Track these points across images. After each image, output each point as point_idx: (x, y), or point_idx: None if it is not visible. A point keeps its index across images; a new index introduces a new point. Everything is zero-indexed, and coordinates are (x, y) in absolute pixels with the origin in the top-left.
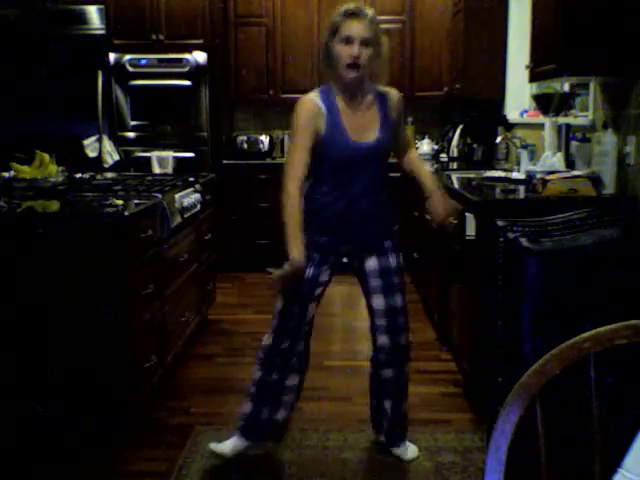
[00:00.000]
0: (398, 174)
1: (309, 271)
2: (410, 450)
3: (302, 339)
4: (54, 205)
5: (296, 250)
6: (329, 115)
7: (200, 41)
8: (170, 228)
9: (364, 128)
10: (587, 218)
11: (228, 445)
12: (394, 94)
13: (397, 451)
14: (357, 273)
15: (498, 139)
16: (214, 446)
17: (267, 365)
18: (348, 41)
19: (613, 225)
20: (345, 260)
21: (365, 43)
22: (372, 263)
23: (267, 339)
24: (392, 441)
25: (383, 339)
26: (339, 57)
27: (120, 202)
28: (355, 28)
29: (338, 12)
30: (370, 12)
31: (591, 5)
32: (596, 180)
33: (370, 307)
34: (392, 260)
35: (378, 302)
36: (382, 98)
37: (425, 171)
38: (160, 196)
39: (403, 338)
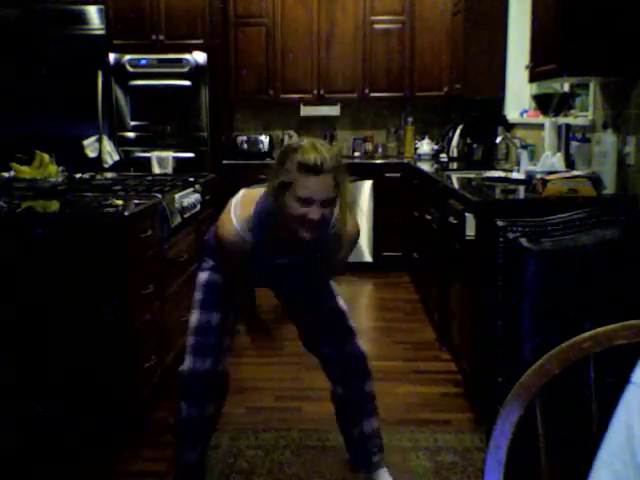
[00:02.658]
0: (398, 174)
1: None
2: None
3: (224, 356)
4: (54, 205)
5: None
6: (254, 242)
7: (200, 41)
8: (170, 228)
9: (287, 248)
10: (587, 218)
11: None
12: (343, 221)
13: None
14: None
15: (498, 139)
16: None
17: (187, 395)
18: (306, 202)
19: (613, 225)
20: None
21: (327, 203)
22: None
23: (184, 364)
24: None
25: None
26: (293, 214)
27: (120, 202)
28: (316, 188)
29: (292, 161)
30: (332, 161)
31: (591, 5)
32: (596, 180)
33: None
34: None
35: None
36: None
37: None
38: (160, 196)
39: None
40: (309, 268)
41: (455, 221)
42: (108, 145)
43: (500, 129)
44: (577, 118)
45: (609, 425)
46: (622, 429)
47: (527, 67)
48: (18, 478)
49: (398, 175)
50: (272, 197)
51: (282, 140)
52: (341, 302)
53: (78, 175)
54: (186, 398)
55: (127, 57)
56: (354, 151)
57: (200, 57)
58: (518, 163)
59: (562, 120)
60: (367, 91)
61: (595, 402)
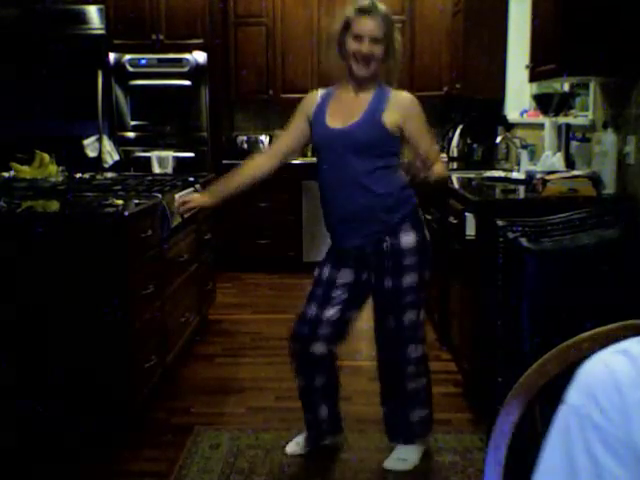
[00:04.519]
0: None
1: (324, 271)
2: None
3: (319, 341)
4: (54, 205)
5: (208, 193)
6: (321, 102)
7: (200, 41)
8: (170, 228)
9: (347, 115)
10: (587, 218)
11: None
12: (401, 95)
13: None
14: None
15: (498, 139)
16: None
17: (294, 368)
18: (358, 38)
19: (613, 225)
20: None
21: (375, 41)
22: (377, 267)
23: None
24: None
25: (380, 355)
26: (349, 53)
27: (120, 202)
28: (366, 26)
29: (351, 6)
30: (383, 9)
31: (591, 5)
32: (596, 180)
33: (374, 321)
34: (403, 279)
35: (378, 317)
36: (382, 94)
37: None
38: (160, 196)
39: (402, 353)
40: (363, 149)
41: (455, 221)
42: (108, 145)
43: (500, 129)
44: (577, 118)
45: (542, 450)
46: (560, 457)
47: (527, 67)
48: (18, 478)
49: None
50: (336, 40)
51: None
52: (415, 314)
53: (78, 175)
54: (295, 368)
55: (127, 57)
56: None
57: (200, 57)
58: (518, 163)
59: (562, 120)
60: None
61: None
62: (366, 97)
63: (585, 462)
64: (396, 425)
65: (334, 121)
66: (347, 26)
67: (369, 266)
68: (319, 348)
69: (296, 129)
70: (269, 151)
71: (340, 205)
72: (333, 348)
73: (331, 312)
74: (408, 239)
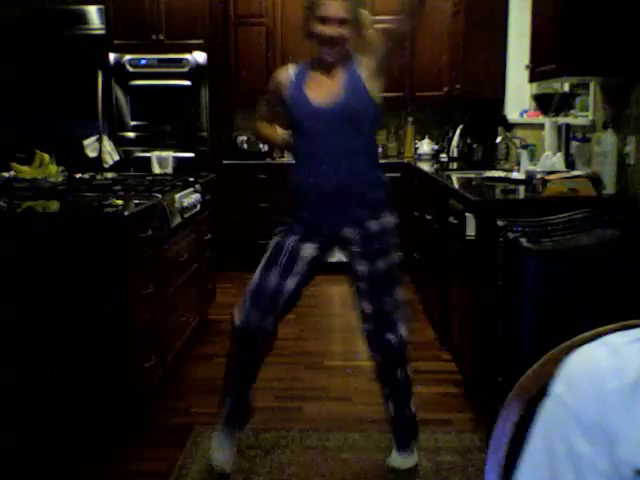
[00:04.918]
0: (398, 174)
1: (289, 241)
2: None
3: (271, 315)
4: (54, 205)
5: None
6: (295, 81)
7: (200, 41)
8: (170, 228)
9: (328, 92)
10: (587, 218)
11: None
12: (362, 57)
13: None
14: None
15: (498, 139)
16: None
17: (234, 344)
18: (324, 21)
19: (613, 225)
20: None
21: (342, 22)
22: (357, 249)
23: (235, 313)
24: (396, 443)
25: (366, 307)
26: (317, 36)
27: (120, 202)
28: (331, 8)
29: None
30: None
31: (591, 5)
32: (596, 180)
33: (359, 304)
34: (378, 264)
35: (362, 287)
36: (350, 62)
37: None
38: (160, 196)
39: (392, 332)
40: (350, 125)
41: (455, 221)
42: (108, 145)
43: (500, 129)
44: (577, 118)
45: (526, 443)
46: (540, 446)
47: (527, 67)
48: (18, 478)
49: (398, 175)
50: (304, 24)
51: None
52: (399, 293)
53: (78, 175)
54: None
55: (127, 57)
56: None
57: (200, 57)
58: (518, 163)
59: (562, 120)
60: None
61: None
62: (340, 72)
63: (562, 449)
64: (401, 421)
65: (315, 97)
66: (312, 9)
67: (338, 246)
68: (271, 323)
69: (274, 105)
70: (261, 119)
71: (323, 182)
72: (277, 325)
73: (291, 285)
74: (389, 220)
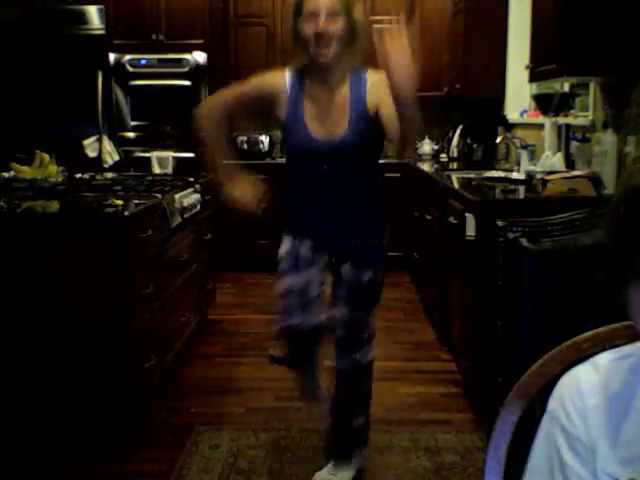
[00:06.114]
0: (398, 174)
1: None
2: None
3: (308, 313)
4: (54, 205)
5: (224, 177)
6: (291, 94)
7: (200, 41)
8: (170, 228)
9: (331, 120)
10: (587, 218)
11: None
12: (374, 75)
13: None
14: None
15: (498, 139)
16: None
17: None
18: (313, 16)
19: None
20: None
21: (333, 15)
22: (346, 270)
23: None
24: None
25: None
26: (307, 36)
27: (120, 202)
28: (319, 0)
29: None
30: None
31: (591, 5)
32: (596, 180)
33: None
34: (363, 275)
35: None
36: (358, 81)
37: None
38: (160, 196)
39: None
40: (353, 158)
41: (455, 221)
42: (108, 145)
43: (500, 129)
44: (577, 118)
45: (529, 456)
46: (541, 458)
47: (527, 67)
48: (18, 478)
49: (398, 175)
50: (292, 29)
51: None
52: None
53: (78, 175)
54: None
55: (127, 57)
56: None
57: (200, 57)
58: (518, 163)
59: (562, 120)
60: None
61: None
62: (343, 92)
63: (556, 461)
64: (337, 434)
65: (317, 128)
66: (299, 9)
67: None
68: (311, 319)
69: (244, 99)
70: (213, 106)
71: (322, 211)
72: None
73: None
74: (381, 242)
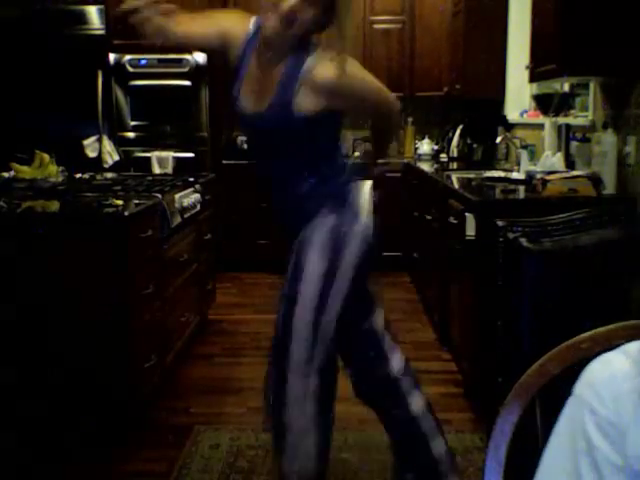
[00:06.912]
0: (398, 174)
1: None
2: None
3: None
4: (54, 205)
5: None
6: (245, 49)
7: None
8: (170, 228)
9: (258, 92)
10: (587, 218)
11: None
12: (320, 72)
13: None
14: None
15: (498, 139)
16: None
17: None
18: None
19: (613, 225)
20: None
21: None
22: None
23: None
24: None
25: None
26: (266, 6)
27: (120, 202)
28: None
29: None
30: None
31: (591, 5)
32: (596, 180)
33: None
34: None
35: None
36: (295, 66)
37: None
38: (160, 196)
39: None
40: (281, 138)
41: (455, 221)
42: (108, 145)
43: (500, 129)
44: (577, 118)
45: (549, 441)
46: (564, 440)
47: (527, 67)
48: (18, 478)
49: (398, 175)
50: None
51: None
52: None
53: (78, 175)
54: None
55: (127, 57)
56: (354, 151)
57: (200, 57)
58: (518, 163)
59: (562, 120)
60: None
61: None
62: (278, 70)
63: (582, 443)
64: None
65: (246, 96)
66: None
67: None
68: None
69: (213, 33)
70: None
71: (271, 197)
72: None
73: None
74: (322, 229)
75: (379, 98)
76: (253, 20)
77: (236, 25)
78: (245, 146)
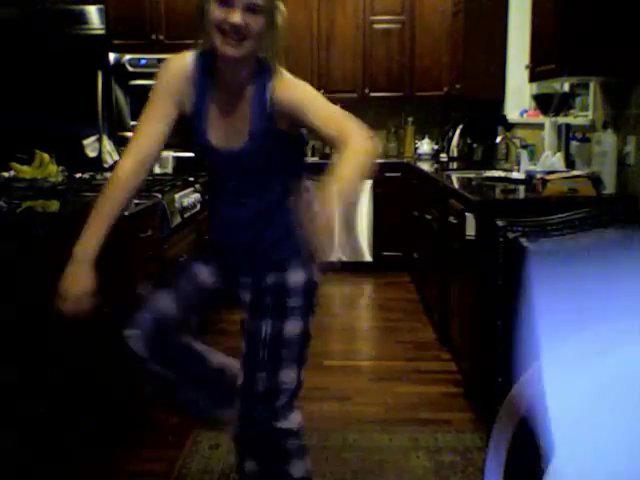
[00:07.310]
0: (398, 174)
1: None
2: None
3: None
4: (54, 205)
5: (82, 244)
6: (198, 91)
7: (200, 41)
8: (170, 228)
9: (230, 128)
10: (587, 218)
11: None
12: (281, 86)
13: None
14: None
15: (498, 139)
16: None
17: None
18: (226, 4)
19: (613, 225)
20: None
21: (252, 9)
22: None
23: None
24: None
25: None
26: (213, 22)
27: None
28: None
29: None
30: None
31: (591, 5)
32: (596, 180)
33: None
34: (268, 301)
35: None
36: (262, 83)
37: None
38: (160, 196)
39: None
40: (260, 168)
41: (455, 221)
42: (108, 145)
43: (500, 129)
44: (577, 118)
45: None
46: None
47: (527, 67)
48: (18, 478)
49: (398, 175)
50: (197, 4)
51: None
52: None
53: (78, 175)
54: None
55: (127, 57)
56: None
57: None
58: (518, 163)
59: (562, 120)
60: (367, 91)
61: None
62: (247, 95)
63: None
64: None
65: (217, 135)
66: None
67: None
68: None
69: (164, 119)
70: (133, 157)
71: (226, 229)
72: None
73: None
74: (296, 277)
75: (343, 113)
76: (189, 57)
77: (177, 80)
78: None
